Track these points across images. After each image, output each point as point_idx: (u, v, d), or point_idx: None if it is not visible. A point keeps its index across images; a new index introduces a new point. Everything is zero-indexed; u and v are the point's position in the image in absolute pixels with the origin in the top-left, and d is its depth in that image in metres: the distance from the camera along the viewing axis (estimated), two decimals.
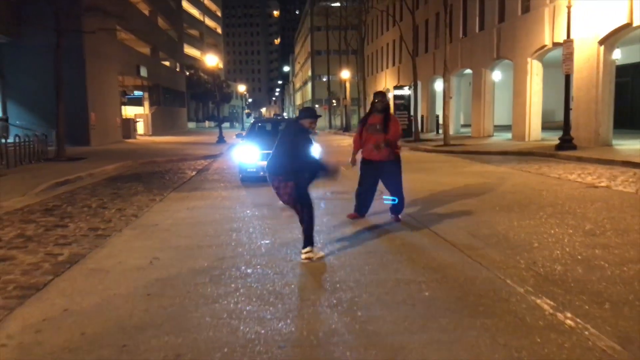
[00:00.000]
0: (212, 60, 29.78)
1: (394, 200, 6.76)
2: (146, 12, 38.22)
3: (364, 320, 3.67)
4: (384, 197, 7.04)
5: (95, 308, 4.06)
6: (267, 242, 6.11)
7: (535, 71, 20.12)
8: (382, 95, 6.98)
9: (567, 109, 15.74)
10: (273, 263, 5.16)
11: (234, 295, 4.28)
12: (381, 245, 5.70)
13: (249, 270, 4.97)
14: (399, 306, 3.92)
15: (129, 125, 31.03)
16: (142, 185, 11.38)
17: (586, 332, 3.35)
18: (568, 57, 15.40)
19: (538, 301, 3.92)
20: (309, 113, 5.42)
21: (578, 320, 3.54)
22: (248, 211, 8.12)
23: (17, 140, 14.70)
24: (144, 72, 34.65)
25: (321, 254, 5.26)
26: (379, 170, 6.82)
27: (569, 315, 3.63)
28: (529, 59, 20.07)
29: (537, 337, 3.32)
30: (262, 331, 3.54)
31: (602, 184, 9.65)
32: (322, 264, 5.05)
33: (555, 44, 18.11)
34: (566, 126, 15.79)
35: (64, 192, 10.52)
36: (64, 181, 11.55)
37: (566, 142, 15.63)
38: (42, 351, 3.34)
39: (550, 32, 18.43)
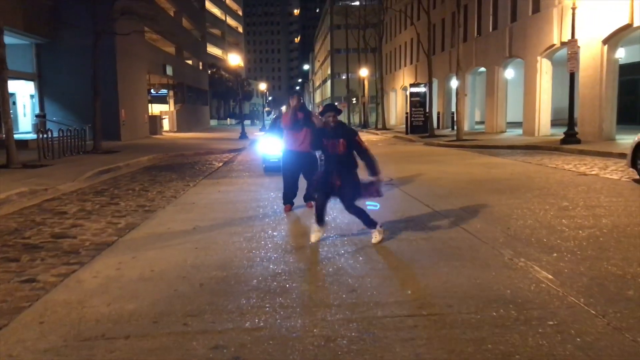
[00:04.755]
0: (234, 60, 31.09)
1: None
2: (171, 13, 39.75)
3: (366, 261, 4.80)
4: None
5: (157, 256, 5.26)
6: (288, 214, 7.27)
7: (544, 69, 20.95)
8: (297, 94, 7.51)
9: (571, 105, 16.57)
10: (295, 228, 6.32)
11: (264, 248, 5.44)
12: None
13: (275, 233, 6.13)
14: (390, 255, 5.04)
15: (155, 122, 32.55)
16: (175, 174, 12.65)
17: (531, 269, 4.44)
18: (573, 56, 16.24)
19: (502, 251, 5.00)
20: (326, 108, 5.60)
21: (528, 262, 4.62)
22: (272, 194, 9.26)
23: (60, 134, 16.13)
24: (169, 70, 36.15)
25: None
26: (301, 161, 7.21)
27: (522, 259, 4.72)
28: (538, 58, 20.90)
29: (494, 272, 4.41)
30: (287, 268, 4.70)
31: (593, 172, 10.60)
32: (322, 229, 6.18)
33: (563, 43, 18.91)
34: (571, 121, 16.63)
35: (108, 178, 11.83)
36: (106, 169, 12.88)
37: (570, 137, 16.48)
38: (125, 280, 4.54)
39: (559, 32, 19.25)
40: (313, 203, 6.43)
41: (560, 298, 3.80)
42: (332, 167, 5.43)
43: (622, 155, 12.89)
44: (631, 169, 9.54)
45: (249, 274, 4.56)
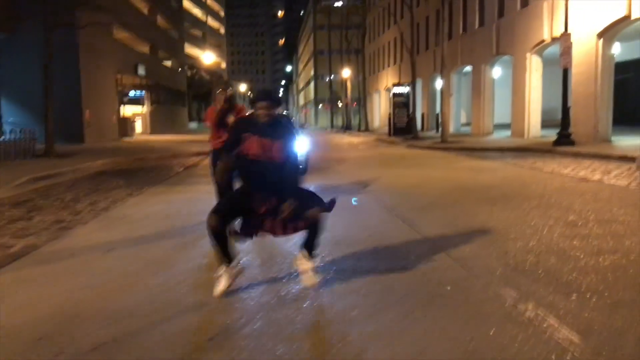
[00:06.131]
0: (209, 58, 29.57)
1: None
2: (145, 11, 38.06)
3: (313, 310, 3.38)
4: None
5: (28, 299, 3.79)
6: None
7: (534, 67, 19.74)
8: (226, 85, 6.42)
9: (565, 104, 15.37)
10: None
11: (182, 288, 3.97)
12: (346, 234, 5.40)
13: (205, 261, 4.70)
14: (348, 298, 3.63)
15: (126, 124, 30.86)
16: (124, 181, 11.14)
17: (544, 324, 3.05)
18: (566, 51, 15.05)
19: (501, 291, 3.62)
20: (259, 95, 3.72)
21: (539, 311, 3.24)
22: None
23: (3, 138, 14.52)
24: (142, 70, 34.48)
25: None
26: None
27: (530, 306, 3.33)
28: (528, 55, 19.70)
29: (493, 327, 3.03)
30: (201, 326, 3.27)
31: (595, 178, 9.32)
32: (267, 254, 4.76)
33: (554, 39, 17.72)
34: (564, 121, 15.43)
35: (42, 186, 10.27)
36: (44, 176, 11.33)
37: (564, 138, 15.27)
38: None
39: (549, 27, 18.05)
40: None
41: None
42: (258, 185, 3.68)
43: (623, 159, 11.66)
44: None
45: (141, 339, 3.08)
